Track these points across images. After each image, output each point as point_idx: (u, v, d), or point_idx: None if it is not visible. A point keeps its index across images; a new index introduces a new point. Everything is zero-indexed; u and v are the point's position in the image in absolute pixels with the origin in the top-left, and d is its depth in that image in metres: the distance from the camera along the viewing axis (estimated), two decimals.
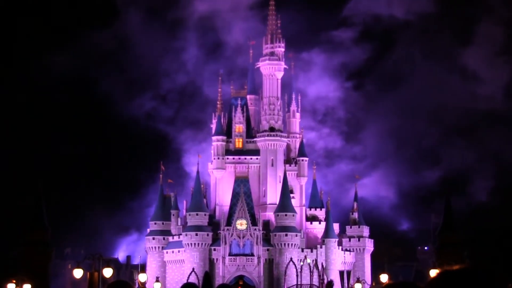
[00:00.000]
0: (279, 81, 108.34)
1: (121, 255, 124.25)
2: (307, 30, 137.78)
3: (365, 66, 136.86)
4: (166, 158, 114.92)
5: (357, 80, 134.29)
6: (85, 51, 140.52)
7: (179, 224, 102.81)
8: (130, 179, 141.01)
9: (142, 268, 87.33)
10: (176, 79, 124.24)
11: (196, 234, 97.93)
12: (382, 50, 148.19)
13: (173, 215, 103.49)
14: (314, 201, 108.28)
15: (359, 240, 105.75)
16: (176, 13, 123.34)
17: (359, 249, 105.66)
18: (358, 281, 78.18)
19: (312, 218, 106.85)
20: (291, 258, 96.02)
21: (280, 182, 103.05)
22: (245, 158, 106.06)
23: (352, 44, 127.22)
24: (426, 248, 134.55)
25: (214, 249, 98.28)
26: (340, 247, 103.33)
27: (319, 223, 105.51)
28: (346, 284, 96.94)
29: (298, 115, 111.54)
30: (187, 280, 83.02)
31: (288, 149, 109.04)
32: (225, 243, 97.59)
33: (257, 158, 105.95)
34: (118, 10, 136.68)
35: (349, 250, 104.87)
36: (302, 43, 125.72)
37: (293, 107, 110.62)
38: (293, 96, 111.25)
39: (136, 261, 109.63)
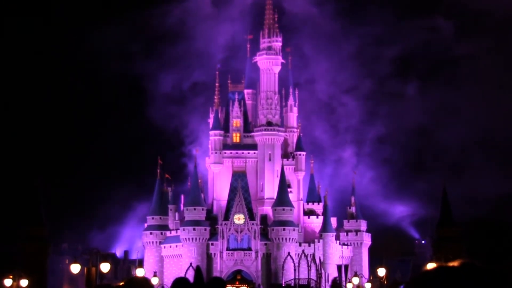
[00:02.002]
0: (277, 75, 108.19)
1: (118, 250, 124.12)
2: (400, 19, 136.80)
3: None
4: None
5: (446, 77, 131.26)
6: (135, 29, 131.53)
7: (176, 218, 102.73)
8: (130, 171, 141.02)
9: (140, 263, 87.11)
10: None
11: (194, 229, 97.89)
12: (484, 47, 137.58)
13: (171, 209, 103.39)
14: (312, 195, 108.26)
15: (356, 234, 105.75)
16: None
17: (357, 243, 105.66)
18: (355, 275, 78.23)
19: (309, 212, 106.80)
20: (288, 253, 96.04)
21: (277, 176, 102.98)
22: (243, 153, 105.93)
23: (449, 37, 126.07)
24: (423, 242, 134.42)
25: (212, 244, 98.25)
26: (338, 241, 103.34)
27: (317, 217, 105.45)
28: (343, 278, 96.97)
29: (295, 109, 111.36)
30: (185, 274, 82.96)
31: (285, 143, 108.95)
32: (223, 238, 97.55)
33: (254, 153, 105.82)
34: None
35: (347, 244, 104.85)
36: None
37: (291, 101, 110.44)
38: (290, 91, 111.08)
39: (134, 256, 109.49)
